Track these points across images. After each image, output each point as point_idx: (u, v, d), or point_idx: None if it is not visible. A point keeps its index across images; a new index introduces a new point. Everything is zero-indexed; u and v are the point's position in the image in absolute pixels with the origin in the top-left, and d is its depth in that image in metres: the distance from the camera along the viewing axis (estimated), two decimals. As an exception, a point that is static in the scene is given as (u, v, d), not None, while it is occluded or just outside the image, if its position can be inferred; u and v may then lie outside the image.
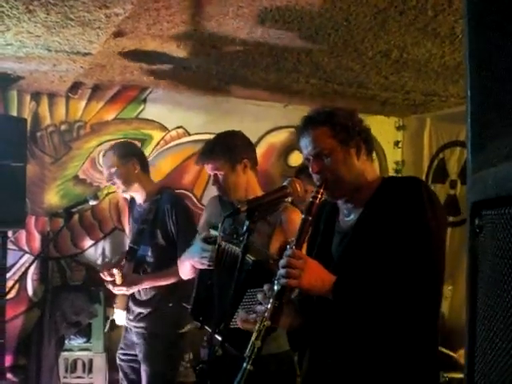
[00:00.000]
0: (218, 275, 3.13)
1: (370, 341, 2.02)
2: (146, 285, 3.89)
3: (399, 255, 1.97)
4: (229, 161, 3.17)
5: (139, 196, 4.03)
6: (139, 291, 3.95)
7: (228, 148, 3.18)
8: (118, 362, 4.14)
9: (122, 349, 4.11)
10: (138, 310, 3.97)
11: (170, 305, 3.87)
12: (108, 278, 3.88)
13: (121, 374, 4.12)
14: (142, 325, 3.94)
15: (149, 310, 3.94)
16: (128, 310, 4.00)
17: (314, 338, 2.25)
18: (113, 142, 4.43)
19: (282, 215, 3.09)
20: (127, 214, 5.20)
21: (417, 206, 2.01)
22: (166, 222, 3.89)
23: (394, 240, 1.99)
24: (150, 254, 3.94)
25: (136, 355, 3.99)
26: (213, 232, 3.28)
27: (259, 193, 3.20)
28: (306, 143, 2.21)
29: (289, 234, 3.03)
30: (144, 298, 3.96)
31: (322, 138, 2.16)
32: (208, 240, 3.17)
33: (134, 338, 3.99)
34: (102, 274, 3.92)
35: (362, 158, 2.20)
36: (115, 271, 3.84)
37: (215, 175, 3.23)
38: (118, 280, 3.86)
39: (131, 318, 3.99)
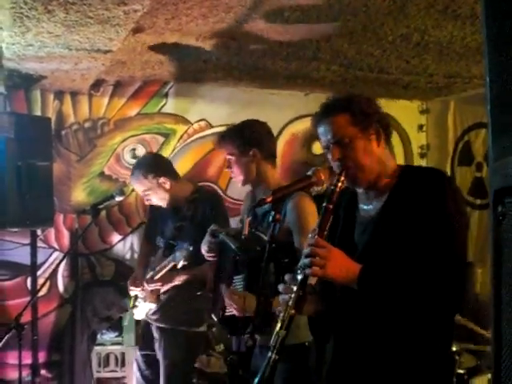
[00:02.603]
0: (220, 265, 3.27)
1: (393, 329, 2.02)
2: (178, 281, 3.94)
3: (423, 248, 1.97)
4: (237, 148, 3.28)
5: (175, 199, 4.08)
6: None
7: (239, 135, 3.29)
8: (135, 356, 4.22)
9: (140, 344, 4.20)
10: (158, 305, 4.04)
11: (199, 293, 3.92)
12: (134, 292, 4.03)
13: (135, 368, 4.19)
14: (161, 318, 4.00)
15: (168, 305, 4.01)
16: None
17: (338, 325, 2.25)
18: (138, 160, 4.42)
19: (288, 203, 3.04)
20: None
21: (440, 199, 2.00)
22: (205, 220, 3.88)
23: (417, 232, 1.99)
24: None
25: (153, 351, 4.05)
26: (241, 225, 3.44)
27: (271, 183, 3.25)
28: (325, 131, 2.20)
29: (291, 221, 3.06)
30: (163, 296, 4.03)
31: (343, 125, 2.15)
32: (213, 233, 3.30)
33: (154, 333, 4.05)
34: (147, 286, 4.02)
35: (381, 144, 2.19)
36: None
37: (228, 160, 3.35)
38: (159, 275, 3.91)
39: (151, 312, 4.04)
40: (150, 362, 4.10)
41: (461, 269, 2.02)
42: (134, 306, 4.09)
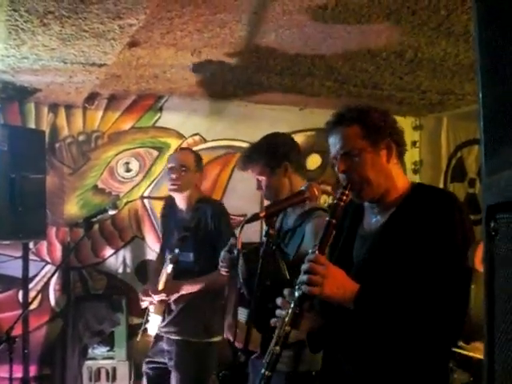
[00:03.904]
0: (232, 281, 3.24)
1: (388, 348, 1.97)
2: (185, 291, 3.94)
3: (424, 271, 1.90)
4: (267, 165, 3.12)
5: (183, 204, 4.09)
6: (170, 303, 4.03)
7: (266, 152, 3.13)
8: (144, 369, 4.18)
9: (149, 356, 4.17)
10: (168, 317, 4.02)
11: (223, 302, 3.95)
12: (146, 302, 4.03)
13: (145, 382, 4.17)
14: (173, 330, 3.99)
15: (180, 317, 3.99)
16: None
17: (331, 339, 2.21)
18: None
19: (307, 225, 2.96)
20: (148, 221, 5.26)
21: (447, 224, 1.93)
22: (208, 230, 3.95)
23: (419, 254, 1.92)
24: (192, 260, 3.99)
25: (164, 363, 4.03)
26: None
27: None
28: (335, 141, 2.13)
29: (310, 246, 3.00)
30: (174, 308, 4.03)
31: (352, 138, 2.08)
32: (230, 248, 3.23)
33: (165, 346, 4.03)
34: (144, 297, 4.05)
35: (392, 160, 2.11)
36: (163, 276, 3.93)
37: (258, 180, 3.19)
38: (161, 285, 3.92)
39: (163, 324, 4.03)
40: (161, 372, 4.08)
41: (464, 297, 1.95)
42: (147, 321, 4.09)
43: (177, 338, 3.99)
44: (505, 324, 1.02)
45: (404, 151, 2.20)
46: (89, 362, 5.17)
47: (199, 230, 3.98)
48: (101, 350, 5.25)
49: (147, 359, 4.18)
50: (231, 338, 2.98)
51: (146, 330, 4.08)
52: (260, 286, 2.23)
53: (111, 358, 5.22)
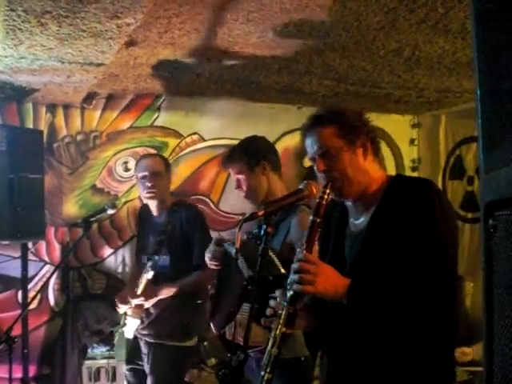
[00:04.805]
0: (220, 275, 3.26)
1: (385, 343, 1.99)
2: (164, 295, 3.95)
3: (412, 261, 1.94)
4: (247, 164, 3.22)
5: (158, 208, 4.12)
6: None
7: (246, 151, 3.24)
8: (124, 371, 4.21)
9: (128, 359, 4.19)
10: (147, 319, 4.05)
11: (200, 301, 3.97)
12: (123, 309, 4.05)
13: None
14: (150, 333, 4.00)
15: (159, 320, 4.02)
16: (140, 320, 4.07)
17: (331, 339, 2.22)
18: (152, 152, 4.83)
19: (293, 219, 3.05)
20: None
21: (428, 211, 1.97)
22: (183, 233, 4.00)
23: (406, 245, 1.96)
24: (169, 263, 4.02)
25: (141, 365, 4.04)
26: None
27: (280, 195, 3.20)
28: (311, 142, 2.18)
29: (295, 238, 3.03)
30: (153, 311, 4.04)
31: (329, 138, 2.12)
32: (217, 242, 3.28)
33: (142, 349, 4.05)
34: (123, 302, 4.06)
35: (368, 158, 2.16)
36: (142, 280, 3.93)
37: (237, 179, 3.29)
38: (140, 290, 3.91)
39: (142, 326, 4.04)
40: (139, 375, 4.09)
41: (451, 282, 1.98)
42: (124, 324, 4.10)
43: (153, 341, 4.01)
44: (504, 320, 1.02)
45: (379, 149, 2.24)
46: (88, 362, 5.17)
47: (175, 234, 4.03)
48: (100, 350, 5.25)
49: (127, 361, 4.21)
50: (227, 334, 2.99)
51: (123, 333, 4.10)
52: (261, 283, 2.23)
53: (111, 357, 5.21)
